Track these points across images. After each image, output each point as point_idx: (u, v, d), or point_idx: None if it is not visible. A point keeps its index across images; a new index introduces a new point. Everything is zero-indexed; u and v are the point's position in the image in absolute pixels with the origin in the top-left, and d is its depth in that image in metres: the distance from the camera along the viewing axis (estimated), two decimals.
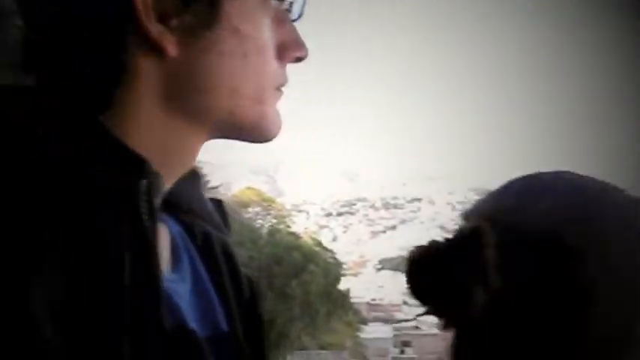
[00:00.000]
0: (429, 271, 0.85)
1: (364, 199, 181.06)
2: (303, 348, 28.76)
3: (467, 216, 0.91)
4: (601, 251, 0.83)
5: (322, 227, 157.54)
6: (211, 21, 0.77)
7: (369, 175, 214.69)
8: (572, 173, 0.90)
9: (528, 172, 0.93)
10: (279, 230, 31.04)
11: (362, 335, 34.59)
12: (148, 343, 0.69)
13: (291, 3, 0.86)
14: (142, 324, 0.68)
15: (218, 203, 0.97)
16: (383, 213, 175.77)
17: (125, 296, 0.68)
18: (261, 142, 0.85)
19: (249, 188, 43.66)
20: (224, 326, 0.88)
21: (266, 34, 0.82)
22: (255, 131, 0.84)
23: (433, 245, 0.87)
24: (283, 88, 0.84)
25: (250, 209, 35.49)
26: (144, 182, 0.71)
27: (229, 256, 0.94)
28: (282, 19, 0.84)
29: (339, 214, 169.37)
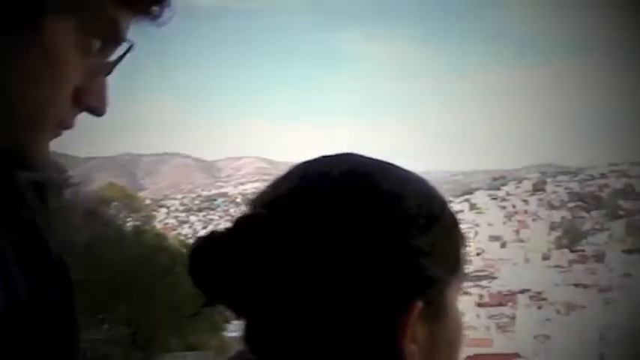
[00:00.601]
0: (211, 261, 0.85)
1: (225, 195, 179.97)
2: (170, 350, 28.45)
3: (251, 203, 0.92)
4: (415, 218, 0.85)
5: (182, 223, 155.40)
6: (27, 29, 0.78)
7: (230, 170, 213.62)
8: (356, 154, 0.92)
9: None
10: (145, 231, 30.49)
11: (227, 334, 34.51)
12: None
13: (113, 61, 0.89)
14: None
15: (37, 182, 0.95)
16: (244, 208, 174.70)
17: None
18: (14, 167, 0.85)
19: (110, 184, 42.55)
20: (25, 302, 0.86)
21: (70, 71, 0.83)
22: (14, 154, 0.83)
23: (213, 235, 0.87)
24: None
25: (112, 205, 34.68)
26: None
27: (37, 233, 0.93)
28: (98, 69, 0.87)
29: (200, 210, 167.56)
